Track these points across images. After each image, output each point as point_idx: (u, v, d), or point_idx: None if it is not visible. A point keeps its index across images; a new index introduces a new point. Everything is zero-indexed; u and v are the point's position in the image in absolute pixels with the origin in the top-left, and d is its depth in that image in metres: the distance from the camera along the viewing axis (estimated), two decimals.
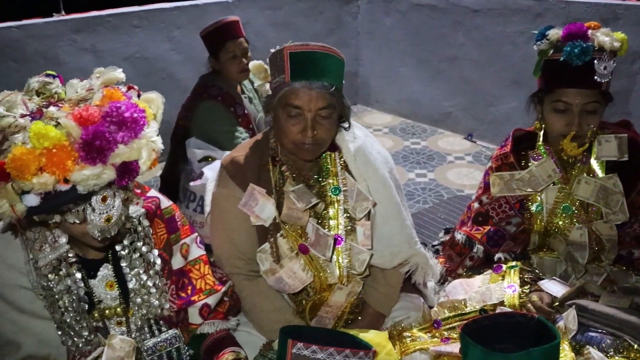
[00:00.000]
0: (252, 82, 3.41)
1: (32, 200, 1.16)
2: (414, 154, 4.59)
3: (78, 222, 1.29)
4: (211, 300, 1.71)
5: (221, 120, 3.10)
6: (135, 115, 1.20)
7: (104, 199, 1.28)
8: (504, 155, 2.15)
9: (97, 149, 1.14)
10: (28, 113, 1.20)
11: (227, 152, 2.69)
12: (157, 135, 1.29)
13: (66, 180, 1.16)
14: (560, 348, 1.53)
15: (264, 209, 1.82)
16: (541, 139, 2.09)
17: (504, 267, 2.05)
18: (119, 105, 1.18)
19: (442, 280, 2.23)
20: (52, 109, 1.20)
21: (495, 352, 1.38)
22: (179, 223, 1.71)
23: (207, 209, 2.00)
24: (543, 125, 2.07)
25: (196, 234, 1.78)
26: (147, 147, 1.24)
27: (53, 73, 1.35)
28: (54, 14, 3.84)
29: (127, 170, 1.22)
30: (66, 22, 3.79)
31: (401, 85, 5.33)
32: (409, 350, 1.80)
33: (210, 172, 2.78)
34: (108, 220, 1.30)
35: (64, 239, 1.43)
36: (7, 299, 1.48)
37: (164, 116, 1.35)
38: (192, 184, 2.84)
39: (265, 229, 1.84)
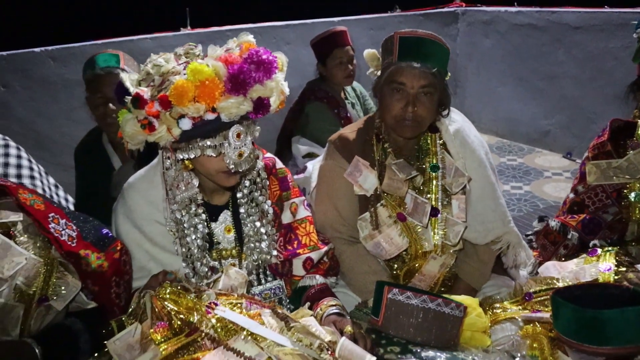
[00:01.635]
0: (354, 90, 3.65)
1: (186, 124, 1.43)
2: (510, 169, 4.61)
3: (215, 155, 1.53)
4: (314, 256, 1.88)
5: (325, 120, 3.34)
6: (270, 58, 1.44)
7: (238, 135, 1.51)
8: (600, 144, 2.19)
9: (240, 82, 1.39)
10: (181, 63, 1.47)
11: None
12: (285, 82, 1.52)
13: (213, 110, 1.42)
14: None
15: (366, 179, 1.99)
16: None
17: (600, 250, 2.07)
18: (258, 49, 1.44)
19: (535, 272, 2.28)
20: (191, 64, 1.46)
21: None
22: (290, 183, 1.91)
23: (313, 184, 2.20)
24: None
25: (304, 197, 1.97)
26: (277, 89, 1.48)
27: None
28: (181, 28, 4.36)
29: (261, 105, 1.45)
30: (191, 35, 4.27)
31: (499, 104, 5.37)
32: (499, 319, 1.87)
33: (313, 166, 3.00)
34: (240, 155, 1.53)
35: (196, 182, 1.67)
36: (144, 232, 1.73)
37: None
38: (295, 176, 3.07)
39: (367, 199, 2.01)
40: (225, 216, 1.78)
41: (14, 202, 1.56)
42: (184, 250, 1.71)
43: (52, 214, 1.57)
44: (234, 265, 1.78)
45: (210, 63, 1.42)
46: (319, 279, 1.89)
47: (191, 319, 1.32)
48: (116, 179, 2.57)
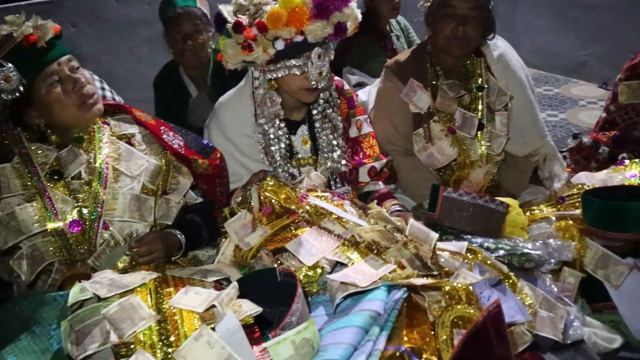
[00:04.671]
0: (399, 23, 3.86)
1: (280, 44, 1.76)
2: (546, 98, 4.79)
3: (299, 74, 1.84)
4: (377, 165, 2.19)
5: (372, 52, 3.58)
6: None
7: (319, 56, 1.82)
8: (633, 67, 2.41)
9: (324, 9, 1.69)
10: None
11: (377, 79, 3.18)
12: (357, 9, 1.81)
13: (301, 33, 1.73)
14: None
15: (420, 98, 2.27)
16: None
17: (627, 161, 2.33)
18: None
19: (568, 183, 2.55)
20: None
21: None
22: (356, 102, 2.21)
23: (371, 106, 2.48)
24: None
25: (366, 116, 2.27)
26: (352, 15, 1.79)
27: None
28: None
29: (340, 28, 1.76)
30: None
31: (535, 36, 5.48)
32: (536, 218, 2.17)
33: (363, 95, 3.27)
34: (320, 73, 1.84)
35: (279, 100, 1.98)
36: (234, 143, 2.07)
37: None
38: None
39: (420, 116, 2.29)
40: (303, 130, 2.10)
41: (131, 118, 1.90)
42: (269, 158, 2.04)
43: (163, 127, 1.91)
44: (309, 172, 2.11)
45: None
46: (381, 185, 2.21)
47: (289, 206, 1.65)
48: (192, 107, 2.91)
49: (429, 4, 2.30)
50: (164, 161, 1.84)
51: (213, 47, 2.99)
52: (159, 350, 1.19)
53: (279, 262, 1.59)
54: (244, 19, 1.75)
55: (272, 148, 2.02)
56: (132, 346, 1.20)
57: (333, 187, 2.13)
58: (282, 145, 2.03)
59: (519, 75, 2.33)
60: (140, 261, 1.61)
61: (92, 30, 4.14)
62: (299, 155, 2.10)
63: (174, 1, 2.89)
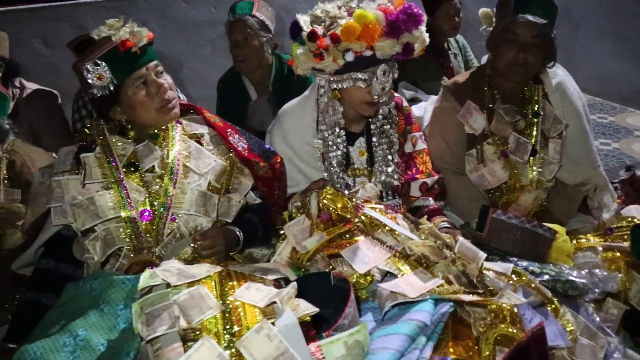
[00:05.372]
0: (457, 41, 3.92)
1: (350, 56, 1.87)
2: (600, 126, 4.74)
3: (363, 87, 1.94)
4: (429, 181, 2.26)
5: (429, 68, 3.64)
6: (420, 12, 1.83)
7: (384, 72, 1.91)
8: None
9: (395, 28, 1.80)
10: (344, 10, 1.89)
11: (432, 96, 3.25)
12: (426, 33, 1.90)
13: (371, 48, 1.84)
14: None
15: (476, 120, 2.33)
16: None
17: None
18: (410, 4, 1.85)
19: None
20: (358, 10, 1.85)
21: None
22: (413, 119, 2.29)
23: (425, 123, 2.56)
24: None
25: (421, 132, 2.34)
26: (421, 38, 1.89)
27: None
28: None
29: (408, 49, 1.86)
30: None
31: (594, 62, 5.43)
32: (582, 246, 2.20)
33: (418, 110, 3.33)
34: (383, 89, 1.94)
35: (341, 109, 2.07)
36: (294, 149, 2.17)
37: None
38: None
39: (474, 137, 2.35)
40: (361, 142, 2.19)
41: (202, 119, 2.02)
42: (326, 165, 2.13)
43: (229, 130, 2.03)
44: (363, 183, 2.20)
45: (372, 11, 1.82)
46: (431, 201, 2.28)
47: (345, 215, 1.74)
48: (251, 110, 3.04)
49: (491, 28, 2.36)
50: (228, 162, 1.96)
51: (275, 53, 3.11)
52: (222, 339, 1.29)
53: (331, 266, 1.68)
54: (319, 29, 1.87)
55: (330, 155, 2.11)
56: (199, 332, 1.31)
57: (384, 199, 2.21)
58: (340, 153, 2.12)
59: (575, 104, 2.37)
60: (203, 254, 1.73)
61: (160, 29, 4.32)
62: (355, 166, 2.19)
63: (234, 8, 3.04)
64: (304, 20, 1.93)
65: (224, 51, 4.37)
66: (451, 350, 1.31)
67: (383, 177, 2.18)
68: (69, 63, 4.42)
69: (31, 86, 3.16)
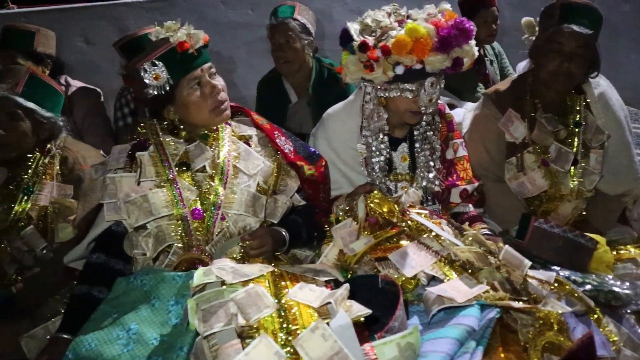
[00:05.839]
0: (493, 48, 3.93)
1: (400, 70, 1.89)
2: (635, 137, 4.70)
3: (410, 97, 1.96)
4: (469, 187, 2.28)
5: (465, 75, 3.64)
6: (471, 27, 1.83)
7: (432, 84, 1.93)
8: None
9: (447, 44, 1.79)
10: (394, 20, 1.90)
11: (467, 102, 3.26)
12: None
13: (421, 62, 1.85)
14: None
15: (517, 129, 2.35)
16: None
17: None
18: (463, 20, 1.85)
19: None
20: (409, 21, 1.87)
21: None
22: (455, 126, 2.31)
23: (464, 130, 2.57)
24: None
25: (462, 139, 2.36)
26: (470, 52, 1.90)
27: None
28: None
29: (457, 63, 1.87)
30: None
31: (630, 72, 5.38)
32: (622, 257, 2.20)
33: (455, 116, 3.35)
34: (430, 100, 1.95)
35: (385, 115, 2.10)
36: (338, 153, 2.21)
37: None
38: None
39: (515, 145, 2.36)
40: (403, 147, 2.21)
41: (250, 121, 2.07)
42: (369, 169, 2.16)
43: (276, 132, 2.07)
44: (405, 188, 2.22)
45: (423, 25, 1.83)
46: (471, 207, 2.30)
47: (392, 219, 1.77)
48: (291, 112, 3.08)
49: (533, 37, 2.37)
50: (275, 164, 2.00)
51: (315, 56, 3.15)
52: (278, 337, 1.33)
53: (375, 269, 1.72)
54: (370, 40, 1.89)
55: (373, 160, 2.14)
56: (255, 330, 1.35)
57: (424, 205, 2.23)
58: (382, 158, 2.15)
59: (618, 115, 2.37)
60: (251, 253, 1.77)
61: (198, 30, 4.39)
62: (397, 171, 2.21)
63: (276, 12, 3.09)
64: (354, 28, 1.95)
65: (260, 53, 4.44)
66: (502, 355, 1.34)
67: (424, 183, 2.20)
68: (109, 61, 4.53)
69: (76, 84, 3.25)
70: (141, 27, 4.27)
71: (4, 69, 2.24)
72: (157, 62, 1.81)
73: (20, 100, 2.09)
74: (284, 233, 1.91)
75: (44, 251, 2.08)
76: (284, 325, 1.35)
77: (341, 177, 2.21)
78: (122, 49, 3.09)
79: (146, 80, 1.81)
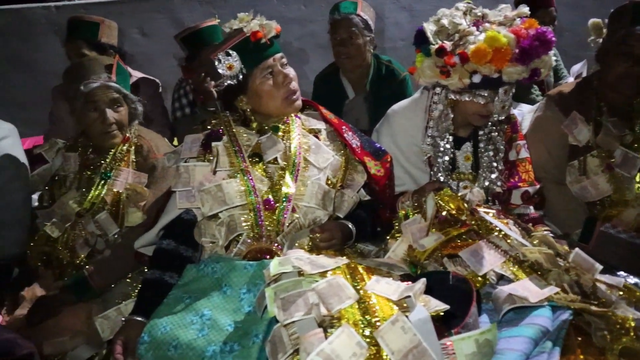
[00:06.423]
0: None
1: (477, 78, 1.87)
2: None
3: (482, 102, 1.97)
4: (531, 189, 2.27)
5: None
6: (553, 38, 1.82)
7: (506, 92, 1.94)
8: None
9: (528, 56, 1.78)
10: (471, 23, 1.90)
11: (521, 104, 3.24)
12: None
13: (498, 72, 1.84)
14: None
15: (581, 132, 2.33)
16: None
17: None
18: (545, 30, 1.83)
19: None
20: (486, 24, 1.87)
21: None
22: (519, 128, 2.31)
23: (524, 132, 2.57)
24: None
25: (525, 141, 2.35)
26: (548, 62, 1.88)
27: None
28: None
29: (535, 74, 1.86)
30: None
31: None
32: None
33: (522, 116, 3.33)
34: (503, 107, 1.96)
35: (451, 115, 2.11)
36: (402, 150, 2.23)
37: None
38: None
39: (578, 149, 2.35)
40: (467, 147, 2.22)
41: (319, 114, 2.10)
42: (433, 168, 2.18)
43: (344, 127, 2.10)
44: (466, 187, 2.23)
45: (504, 33, 1.81)
46: (531, 209, 2.29)
47: (460, 217, 1.79)
48: (347, 108, 3.11)
49: (600, 39, 2.35)
50: (343, 158, 2.03)
51: (374, 53, 3.17)
52: (359, 328, 1.36)
53: (442, 266, 1.73)
54: (448, 45, 1.88)
55: (438, 159, 2.15)
56: (336, 320, 1.38)
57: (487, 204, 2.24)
58: (447, 158, 2.16)
59: None
60: (321, 245, 1.80)
61: None
62: (460, 170, 2.22)
63: (339, 7, 3.12)
64: (429, 29, 1.94)
65: (311, 48, 4.49)
66: (581, 357, 1.34)
67: (486, 183, 2.20)
68: (163, 53, 4.62)
69: (136, 74, 3.33)
70: (195, 20, 4.38)
71: (91, 59, 2.32)
72: (231, 52, 1.86)
73: (120, 87, 2.20)
74: (350, 227, 1.93)
75: (115, 236, 2.16)
76: (367, 317, 1.38)
77: (404, 174, 2.23)
78: (183, 40, 3.16)
79: (220, 71, 1.86)
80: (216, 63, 1.88)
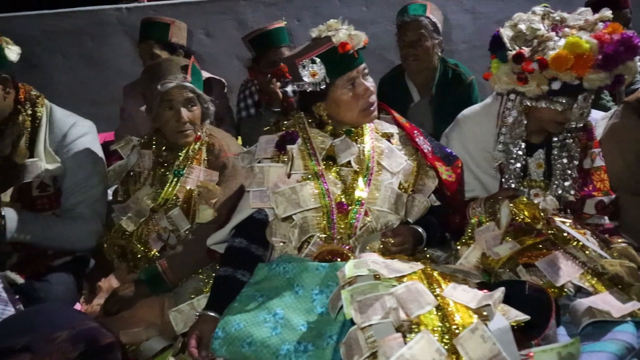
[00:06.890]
0: None
1: (556, 85, 1.83)
2: None
3: (560, 109, 1.92)
4: (606, 199, 2.20)
5: None
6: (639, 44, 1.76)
7: (585, 99, 1.88)
8: None
9: (612, 62, 1.73)
10: (549, 28, 1.86)
11: (592, 110, 3.13)
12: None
13: (579, 79, 1.79)
14: None
15: None
16: None
17: None
18: (631, 35, 1.77)
19: None
20: (566, 29, 1.83)
21: None
22: (594, 135, 2.25)
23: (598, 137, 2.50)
24: None
25: (600, 149, 2.29)
26: (633, 68, 1.81)
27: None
28: None
29: (618, 80, 1.80)
30: None
31: None
32: None
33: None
34: (582, 114, 1.92)
35: (525, 122, 2.07)
36: (472, 155, 2.22)
37: None
38: None
39: None
40: (540, 154, 2.17)
41: (391, 118, 2.11)
42: (505, 175, 2.15)
43: (415, 131, 2.09)
44: (537, 194, 2.19)
45: (585, 38, 1.76)
46: (606, 220, 2.23)
47: (536, 226, 1.76)
48: (412, 111, 3.09)
49: None
50: (415, 163, 2.02)
51: (440, 54, 3.14)
52: (439, 334, 1.35)
53: (516, 275, 1.71)
54: (526, 51, 1.84)
55: (510, 166, 2.12)
56: (415, 325, 1.38)
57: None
58: (519, 165, 2.12)
59: None
60: (392, 250, 1.80)
61: (313, 25, 4.43)
62: (531, 177, 2.18)
63: (407, 9, 3.11)
64: (506, 35, 1.90)
65: (370, 50, 4.44)
66: None
67: (560, 191, 2.15)
68: (227, 53, 4.71)
69: (204, 74, 3.40)
70: (258, 22, 4.44)
71: (168, 60, 2.39)
72: (316, 60, 1.87)
73: (195, 87, 2.26)
74: (421, 232, 1.93)
75: (187, 232, 2.22)
76: (447, 324, 1.37)
77: (473, 180, 2.20)
78: (251, 42, 3.22)
79: (304, 77, 1.87)
80: (300, 69, 1.90)
